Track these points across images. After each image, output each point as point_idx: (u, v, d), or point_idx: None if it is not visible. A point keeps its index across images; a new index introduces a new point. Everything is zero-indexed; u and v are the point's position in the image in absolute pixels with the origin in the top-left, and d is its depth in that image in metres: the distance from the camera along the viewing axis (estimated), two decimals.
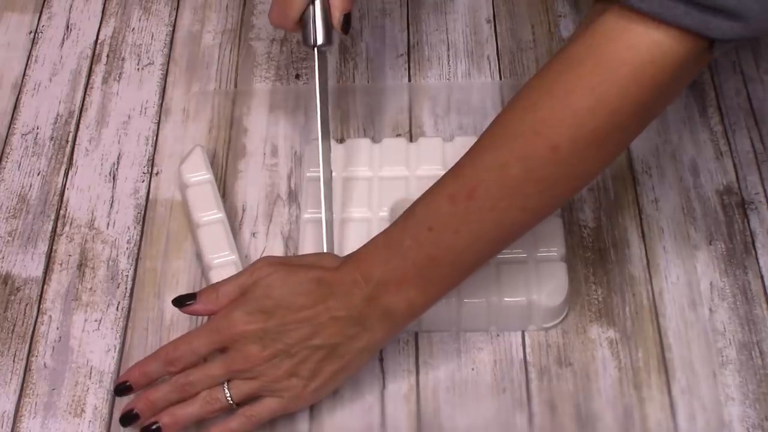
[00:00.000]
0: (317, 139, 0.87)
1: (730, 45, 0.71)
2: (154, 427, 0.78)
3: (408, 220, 0.76)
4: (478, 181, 0.74)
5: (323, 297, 0.76)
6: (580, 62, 0.72)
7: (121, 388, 0.79)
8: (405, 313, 0.76)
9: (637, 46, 0.70)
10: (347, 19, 0.87)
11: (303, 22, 0.87)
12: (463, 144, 0.91)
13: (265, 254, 0.89)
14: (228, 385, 0.77)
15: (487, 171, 0.74)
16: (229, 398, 0.77)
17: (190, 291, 0.86)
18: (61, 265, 0.90)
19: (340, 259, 0.79)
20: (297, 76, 1.02)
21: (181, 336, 0.80)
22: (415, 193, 0.88)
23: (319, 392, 0.78)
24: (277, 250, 0.90)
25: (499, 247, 0.77)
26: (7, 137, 0.99)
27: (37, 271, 0.90)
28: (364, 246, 0.78)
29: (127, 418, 0.79)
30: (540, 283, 0.83)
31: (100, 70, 1.03)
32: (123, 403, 0.80)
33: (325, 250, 0.86)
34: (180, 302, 0.80)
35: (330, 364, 0.77)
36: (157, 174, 0.95)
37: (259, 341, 0.76)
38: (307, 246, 0.87)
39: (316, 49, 0.88)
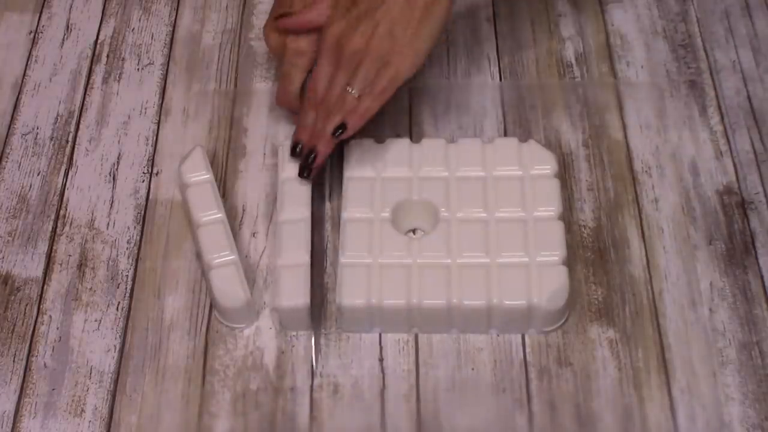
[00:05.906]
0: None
1: None
2: (311, 156, 0.88)
3: None
4: None
5: None
6: None
7: (295, 149, 0.90)
8: None
9: None
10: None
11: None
12: (465, 146, 0.91)
13: (265, 254, 0.89)
14: (349, 88, 0.87)
15: None
16: (353, 91, 0.86)
17: (190, 292, 0.87)
18: (61, 265, 0.90)
19: None
20: None
21: (309, 86, 0.89)
22: (418, 195, 0.89)
23: (417, 53, 0.87)
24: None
25: None
26: (7, 137, 0.99)
27: (37, 271, 0.90)
28: None
29: (294, 151, 0.90)
30: (541, 287, 0.83)
31: (100, 70, 1.03)
32: (124, 404, 0.82)
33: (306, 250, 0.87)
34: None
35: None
36: (157, 174, 0.95)
37: (350, 29, 0.86)
38: (285, 247, 0.86)
39: None
